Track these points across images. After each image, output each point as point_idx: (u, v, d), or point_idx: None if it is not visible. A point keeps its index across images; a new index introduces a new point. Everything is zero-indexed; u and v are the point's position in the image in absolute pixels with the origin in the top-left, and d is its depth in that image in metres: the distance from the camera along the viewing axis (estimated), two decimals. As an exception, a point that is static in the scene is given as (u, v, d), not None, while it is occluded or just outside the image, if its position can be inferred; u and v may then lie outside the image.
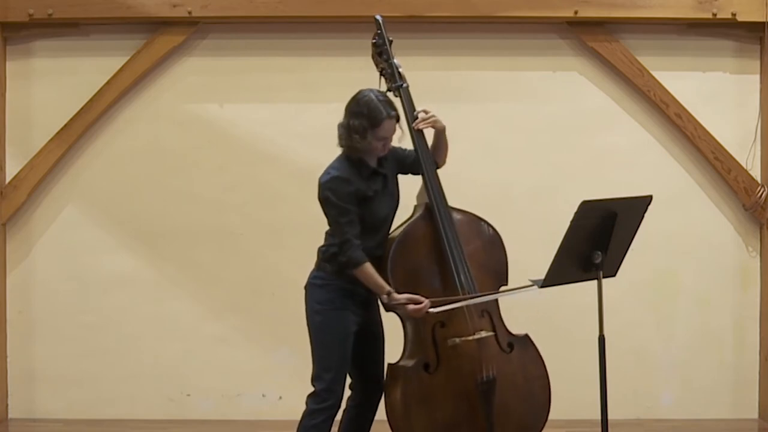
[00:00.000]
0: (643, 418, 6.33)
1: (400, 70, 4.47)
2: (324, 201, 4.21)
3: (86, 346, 6.37)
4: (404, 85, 4.46)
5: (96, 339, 6.37)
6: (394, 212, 4.40)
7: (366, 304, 4.34)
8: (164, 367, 6.38)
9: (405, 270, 4.27)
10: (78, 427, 6.22)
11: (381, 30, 4.51)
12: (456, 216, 4.41)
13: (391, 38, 4.52)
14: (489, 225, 4.50)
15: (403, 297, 4.17)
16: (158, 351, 6.38)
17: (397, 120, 4.25)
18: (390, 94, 4.41)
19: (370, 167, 4.28)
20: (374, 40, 4.52)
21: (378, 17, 4.55)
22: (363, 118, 4.17)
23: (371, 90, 4.26)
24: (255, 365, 6.38)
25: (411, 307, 4.16)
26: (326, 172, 4.25)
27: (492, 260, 4.46)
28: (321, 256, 4.34)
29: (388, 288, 4.18)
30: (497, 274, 4.47)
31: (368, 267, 4.17)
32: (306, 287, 4.36)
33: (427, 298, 4.22)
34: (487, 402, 4.30)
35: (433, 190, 4.37)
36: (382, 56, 4.50)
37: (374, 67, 4.55)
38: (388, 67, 4.47)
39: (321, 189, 4.22)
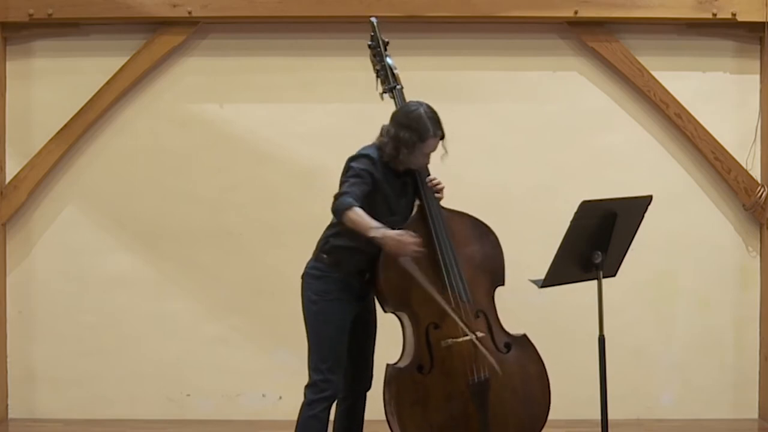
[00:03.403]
0: (643, 418, 6.34)
1: (396, 71, 4.51)
2: (344, 170, 4.23)
3: (86, 346, 6.37)
4: (398, 87, 4.49)
5: (96, 339, 6.37)
6: (406, 219, 4.40)
7: (361, 296, 4.38)
8: (164, 367, 6.38)
9: (396, 269, 4.27)
10: (78, 427, 6.21)
11: (375, 32, 4.55)
12: (450, 217, 4.42)
13: (386, 40, 4.54)
14: (484, 225, 4.51)
15: (393, 233, 4.04)
16: (158, 351, 6.37)
17: (441, 138, 4.29)
18: (385, 96, 4.48)
19: (397, 170, 4.31)
20: (369, 43, 4.56)
21: (373, 19, 4.58)
22: (413, 133, 4.20)
23: (420, 104, 4.29)
24: (255, 365, 6.38)
25: (401, 239, 4.03)
26: (357, 152, 4.28)
27: (487, 260, 4.47)
28: (320, 247, 4.36)
29: (376, 225, 4.04)
30: (493, 274, 4.47)
31: (355, 210, 4.05)
32: (303, 277, 4.39)
33: (419, 298, 4.27)
34: (481, 403, 4.31)
35: (425, 191, 4.39)
36: (376, 58, 4.54)
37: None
38: (382, 69, 4.53)
39: (346, 162, 4.24)
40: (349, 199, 4.08)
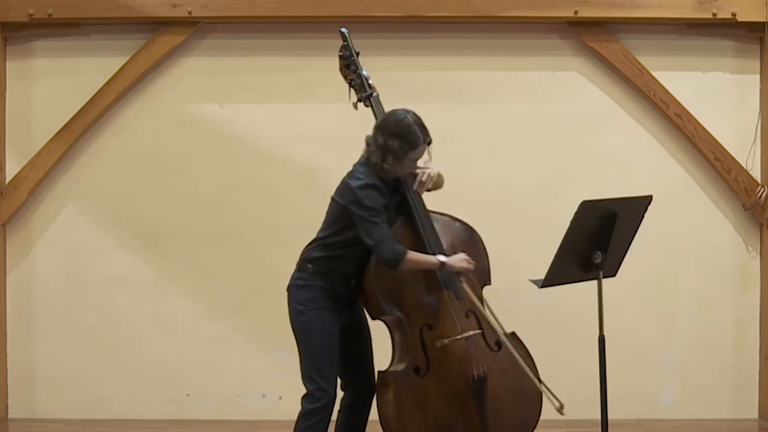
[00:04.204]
0: (643, 418, 6.33)
1: (370, 81, 4.50)
2: (355, 203, 4.18)
3: (86, 346, 6.37)
4: (374, 94, 4.50)
5: (96, 339, 6.37)
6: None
7: (348, 304, 4.38)
8: (164, 367, 6.38)
9: (388, 274, 4.27)
10: (78, 427, 6.22)
11: (347, 42, 4.56)
12: (437, 220, 4.43)
13: (358, 50, 4.55)
14: (469, 227, 4.53)
15: (458, 257, 4.26)
16: (158, 351, 6.37)
17: (428, 144, 4.28)
18: (360, 104, 4.50)
19: (392, 184, 4.30)
20: (341, 53, 4.56)
21: (343, 30, 4.57)
22: (403, 141, 4.18)
23: (407, 111, 4.26)
24: (255, 365, 6.38)
25: (463, 260, 4.26)
26: (355, 177, 4.23)
27: (475, 261, 4.46)
28: (304, 257, 4.37)
29: (440, 260, 4.23)
30: (480, 275, 4.48)
31: (411, 253, 4.19)
32: (288, 289, 4.39)
33: (411, 300, 4.28)
34: (479, 400, 4.31)
35: (411, 196, 4.38)
36: (350, 68, 4.55)
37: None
38: (356, 77, 4.53)
39: (352, 192, 4.19)
40: (397, 246, 4.16)
